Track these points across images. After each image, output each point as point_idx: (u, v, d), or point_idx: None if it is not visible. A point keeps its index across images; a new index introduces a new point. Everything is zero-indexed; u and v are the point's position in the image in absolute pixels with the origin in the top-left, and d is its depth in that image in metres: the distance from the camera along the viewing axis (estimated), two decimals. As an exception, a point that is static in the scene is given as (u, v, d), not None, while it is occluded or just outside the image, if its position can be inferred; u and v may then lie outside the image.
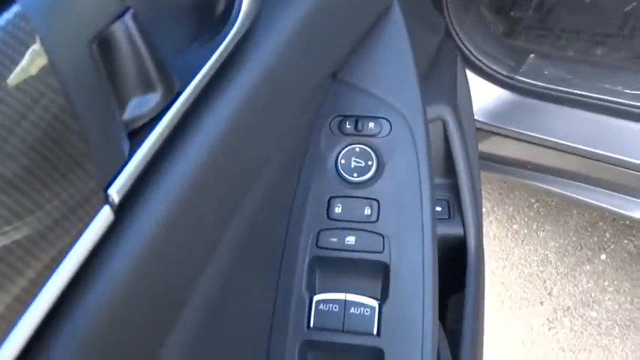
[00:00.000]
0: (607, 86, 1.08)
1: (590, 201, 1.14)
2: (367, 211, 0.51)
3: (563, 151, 1.10)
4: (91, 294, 0.22)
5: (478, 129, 1.11)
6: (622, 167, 1.05)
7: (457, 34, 1.13)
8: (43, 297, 0.21)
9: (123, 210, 0.25)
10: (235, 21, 0.33)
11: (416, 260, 0.50)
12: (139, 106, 0.27)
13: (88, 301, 0.22)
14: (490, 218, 1.57)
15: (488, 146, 1.21)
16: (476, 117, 1.10)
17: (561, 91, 1.09)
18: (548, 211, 1.58)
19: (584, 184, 1.15)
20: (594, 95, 1.07)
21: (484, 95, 1.17)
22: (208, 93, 0.32)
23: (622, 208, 1.12)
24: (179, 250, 0.28)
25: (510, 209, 1.60)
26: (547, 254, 1.48)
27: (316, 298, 0.49)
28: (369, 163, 0.53)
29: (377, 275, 0.50)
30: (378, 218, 0.51)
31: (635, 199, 1.10)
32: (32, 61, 0.22)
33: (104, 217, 0.23)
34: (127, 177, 0.25)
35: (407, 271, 0.49)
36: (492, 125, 1.17)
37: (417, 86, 0.57)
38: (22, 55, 0.22)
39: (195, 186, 0.28)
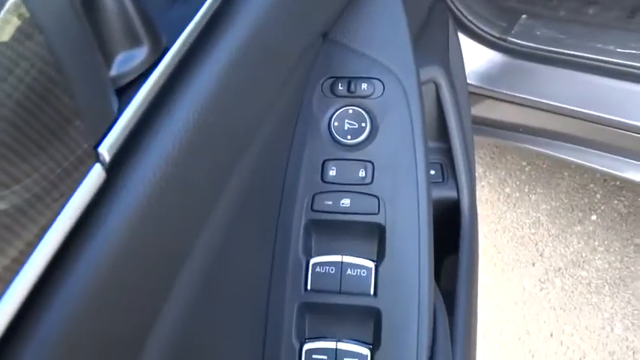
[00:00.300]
0: (599, 46, 1.08)
1: (581, 162, 1.15)
2: (362, 173, 0.51)
3: (555, 112, 1.09)
4: (87, 253, 0.22)
5: (470, 93, 1.11)
6: (614, 128, 1.05)
7: (448, -5, 1.11)
8: (38, 257, 0.20)
9: (114, 169, 0.24)
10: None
11: (411, 221, 0.50)
12: (125, 61, 0.26)
13: (84, 260, 0.22)
14: (482, 183, 1.58)
15: (480, 110, 1.21)
16: (468, 80, 1.09)
17: (553, 52, 1.08)
18: (540, 174, 1.59)
19: (576, 146, 1.15)
20: (586, 55, 1.06)
21: (476, 58, 1.16)
22: (197, 50, 0.31)
23: (613, 168, 1.12)
24: (174, 210, 0.28)
25: (502, 173, 1.60)
26: (539, 217, 1.50)
27: (313, 260, 0.49)
28: (363, 124, 0.53)
29: (372, 237, 0.50)
30: (372, 180, 0.51)
31: (626, 160, 1.11)
32: (13, 13, 0.21)
33: (96, 175, 0.23)
34: (117, 135, 0.24)
35: (402, 232, 0.49)
36: (484, 88, 1.16)
37: (410, 46, 0.56)
38: (1, 6, 0.21)
39: (187, 144, 0.28)
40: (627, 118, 1.02)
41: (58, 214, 0.21)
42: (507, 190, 1.56)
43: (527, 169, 1.60)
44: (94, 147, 0.23)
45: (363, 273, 0.49)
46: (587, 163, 1.14)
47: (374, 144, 0.52)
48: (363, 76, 0.54)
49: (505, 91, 1.13)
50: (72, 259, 0.22)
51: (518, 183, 1.57)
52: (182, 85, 0.29)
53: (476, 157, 1.58)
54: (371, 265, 0.49)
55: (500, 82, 1.13)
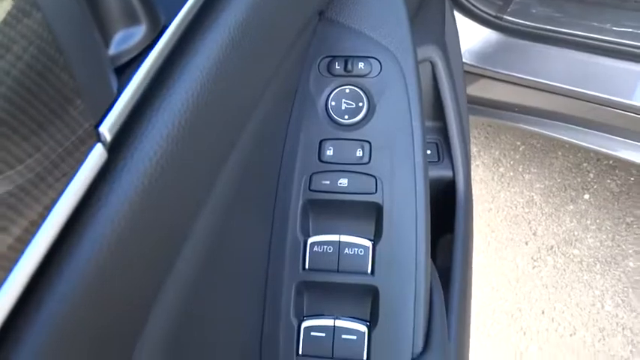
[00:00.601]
0: (594, 24, 1.07)
1: (575, 141, 1.15)
2: (359, 152, 0.51)
3: (550, 92, 1.10)
4: (90, 232, 0.22)
5: (465, 72, 1.11)
6: (608, 107, 1.05)
7: (444, -27, 1.10)
8: (42, 237, 0.21)
9: (115, 149, 0.24)
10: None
11: (408, 200, 0.50)
12: (124, 40, 0.26)
13: (87, 239, 0.22)
14: (476, 162, 1.58)
15: (475, 89, 1.21)
16: (463, 59, 1.08)
17: (549, 30, 1.08)
18: (534, 153, 1.60)
19: (570, 125, 1.16)
20: (582, 34, 1.06)
21: (472, 36, 1.15)
22: (194, 28, 0.30)
23: (607, 147, 1.13)
24: (174, 190, 0.28)
25: (496, 153, 1.61)
26: (532, 196, 1.51)
27: (310, 240, 0.50)
28: (360, 104, 0.53)
29: (370, 216, 0.51)
30: (370, 160, 0.51)
31: (620, 139, 1.12)
32: (9, -10, 0.21)
33: (97, 155, 0.23)
34: (118, 114, 0.24)
35: (399, 211, 0.50)
36: (480, 67, 1.16)
37: (407, 25, 0.55)
38: (-3, -17, 0.20)
39: (187, 123, 0.28)
40: (622, 97, 1.02)
41: (60, 194, 0.21)
42: (501, 169, 1.57)
43: (521, 148, 1.61)
44: (94, 126, 0.23)
45: (361, 252, 0.49)
46: (580, 143, 1.14)
47: (371, 123, 0.52)
48: (360, 55, 0.54)
49: (500, 70, 1.13)
50: (75, 239, 0.22)
51: (512, 162, 1.58)
52: (181, 63, 0.28)
53: (470, 137, 1.58)
54: (368, 244, 0.49)
55: (495, 61, 1.13)
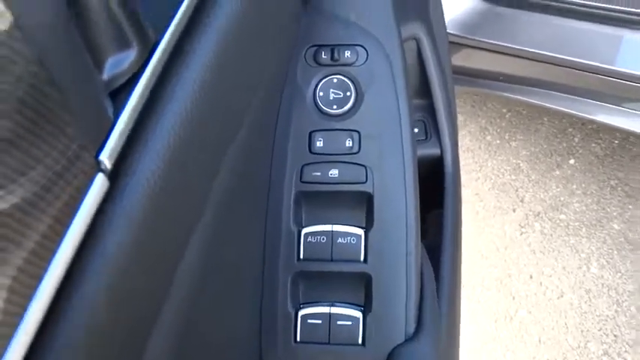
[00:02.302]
0: (576, -11, 1.07)
1: (559, 108, 1.17)
2: (348, 142, 0.52)
3: (533, 59, 1.10)
4: (95, 263, 0.23)
5: (449, 42, 1.10)
6: (591, 72, 1.06)
7: (426, -57, 1.09)
8: (51, 275, 0.21)
9: (115, 174, 0.25)
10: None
11: (398, 187, 0.51)
12: (116, 64, 0.26)
13: (93, 270, 0.23)
14: (463, 132, 1.60)
15: (459, 59, 1.20)
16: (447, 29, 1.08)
17: (532, -3, 1.08)
18: (520, 120, 1.61)
19: (554, 92, 1.17)
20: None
21: (454, 6, 1.15)
22: (185, 40, 0.31)
23: (590, 113, 1.14)
24: (174, 204, 0.29)
25: (483, 121, 1.62)
26: (519, 163, 1.53)
27: (304, 231, 0.51)
28: (348, 93, 0.53)
29: (361, 205, 0.52)
30: (359, 149, 0.52)
31: (602, 104, 1.13)
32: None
33: (99, 184, 0.23)
34: (116, 140, 0.25)
35: (390, 199, 0.51)
36: (463, 37, 1.15)
37: (391, 6, 0.55)
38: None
39: (183, 138, 0.28)
40: (603, 62, 1.03)
41: (67, 228, 0.22)
42: (488, 137, 1.59)
43: (507, 115, 1.62)
44: (94, 156, 0.23)
45: (353, 240, 0.50)
46: (564, 109, 1.16)
47: (359, 113, 0.53)
48: (346, 43, 0.54)
49: (484, 39, 1.13)
50: (84, 269, 0.22)
51: (498, 130, 1.60)
52: (173, 79, 0.29)
53: (457, 106, 1.58)
54: (360, 232, 0.51)
55: (478, 30, 1.13)
